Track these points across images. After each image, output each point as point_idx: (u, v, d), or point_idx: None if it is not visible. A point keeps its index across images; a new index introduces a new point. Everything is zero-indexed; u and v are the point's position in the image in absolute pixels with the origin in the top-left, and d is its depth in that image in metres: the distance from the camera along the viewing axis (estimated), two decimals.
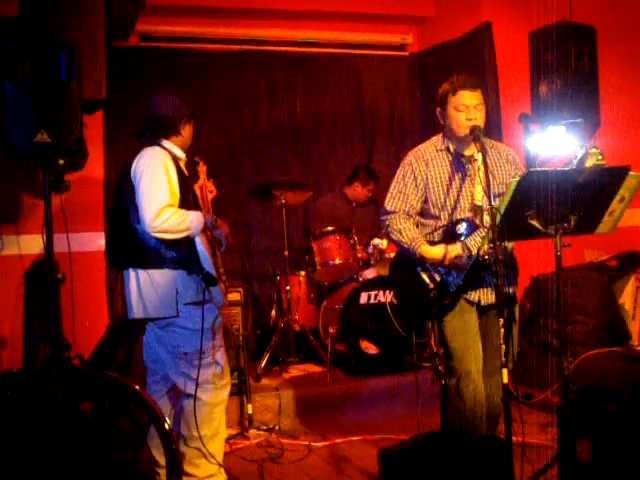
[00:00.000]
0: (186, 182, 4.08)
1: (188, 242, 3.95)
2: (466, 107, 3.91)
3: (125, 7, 5.31)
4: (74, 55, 3.58)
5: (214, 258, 4.08)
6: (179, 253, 3.93)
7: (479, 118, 3.91)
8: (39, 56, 3.47)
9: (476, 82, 3.98)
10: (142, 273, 3.97)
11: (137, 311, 4.00)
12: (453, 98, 3.93)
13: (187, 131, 4.18)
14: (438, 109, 4.05)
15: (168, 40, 7.02)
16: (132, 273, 4.00)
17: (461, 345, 3.93)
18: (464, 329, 3.94)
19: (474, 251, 3.82)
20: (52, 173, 3.46)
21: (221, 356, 4.11)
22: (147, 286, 3.96)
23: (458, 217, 3.95)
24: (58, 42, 3.57)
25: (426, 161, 4.04)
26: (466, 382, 3.90)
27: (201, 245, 3.97)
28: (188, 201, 4.03)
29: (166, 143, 4.08)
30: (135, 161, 3.98)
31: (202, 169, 4.46)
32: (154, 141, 4.06)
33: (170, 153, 4.04)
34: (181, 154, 4.14)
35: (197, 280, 3.95)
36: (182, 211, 3.90)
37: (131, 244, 3.97)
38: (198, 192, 4.34)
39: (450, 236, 3.93)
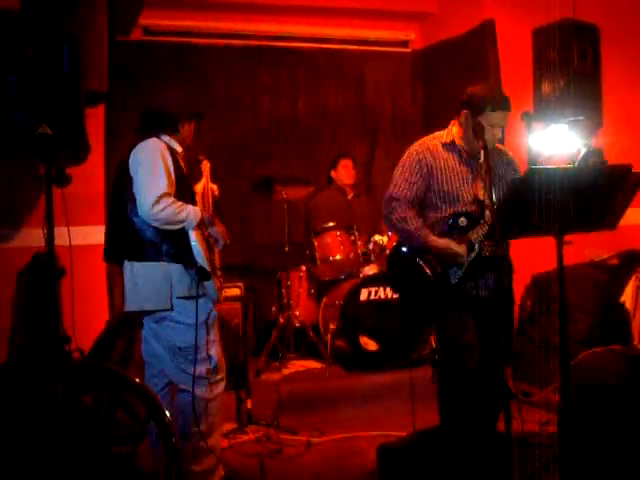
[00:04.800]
0: (183, 176, 4.08)
1: (182, 235, 3.94)
2: (498, 126, 3.94)
3: (129, 0, 5.31)
4: (77, 48, 3.56)
5: (210, 254, 4.07)
6: (174, 246, 3.93)
7: (500, 133, 4.00)
8: (41, 49, 3.46)
9: (509, 101, 4.01)
10: (138, 266, 3.97)
11: (132, 304, 4.01)
12: (491, 114, 3.93)
13: (186, 130, 4.17)
14: (466, 111, 4.00)
15: (171, 34, 7.04)
16: (128, 266, 4.01)
17: (459, 342, 3.93)
18: (462, 326, 3.94)
19: (476, 245, 3.83)
20: (53, 166, 3.45)
21: (216, 351, 4.11)
22: (142, 279, 3.96)
23: (460, 210, 3.95)
24: (61, 35, 3.56)
25: (432, 152, 4.04)
26: (464, 380, 3.89)
27: (194, 240, 3.95)
28: (184, 194, 4.02)
29: (164, 137, 4.08)
30: (132, 153, 3.98)
31: (205, 167, 4.45)
32: (152, 134, 4.06)
33: (167, 145, 4.03)
34: (178, 148, 4.13)
35: (192, 274, 3.95)
36: (180, 203, 3.90)
37: (129, 237, 3.98)
38: (200, 190, 4.34)
39: (452, 228, 3.93)
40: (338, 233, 6.44)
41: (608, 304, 5.83)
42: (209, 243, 4.11)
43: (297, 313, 6.44)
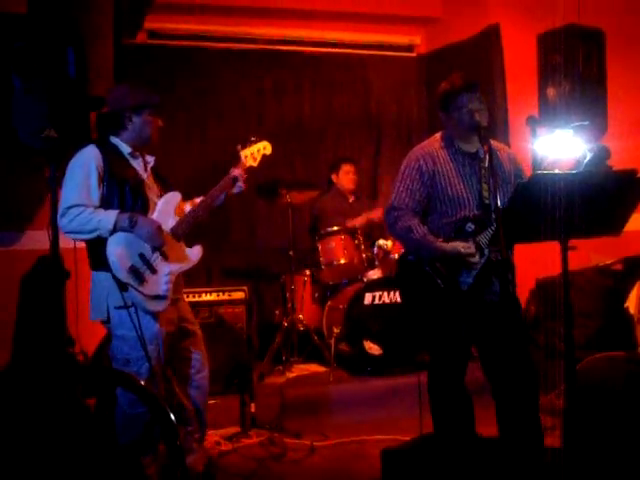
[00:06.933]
0: (122, 179, 3.95)
1: (101, 243, 3.85)
2: (469, 109, 3.86)
3: (133, 4, 5.32)
4: (82, 52, 3.58)
5: (144, 259, 3.92)
6: (99, 255, 3.86)
7: (483, 118, 3.88)
8: (47, 52, 3.47)
9: (475, 82, 3.94)
10: (92, 274, 3.96)
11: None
12: (455, 101, 3.88)
13: (137, 124, 4.03)
14: (441, 113, 3.99)
15: (176, 38, 7.06)
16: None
17: (457, 348, 3.91)
18: (453, 331, 3.89)
19: (485, 249, 3.77)
20: (59, 169, 3.46)
21: (146, 369, 3.87)
22: (92, 288, 3.96)
23: (466, 214, 3.87)
24: (66, 38, 3.57)
25: (432, 157, 3.94)
26: (451, 386, 3.89)
27: (112, 246, 3.84)
28: (118, 200, 3.92)
29: (113, 139, 4.04)
30: None
31: (248, 151, 4.40)
32: (101, 138, 4.00)
33: (106, 150, 3.95)
34: (126, 148, 4.04)
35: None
36: (89, 211, 3.81)
37: (87, 245, 3.97)
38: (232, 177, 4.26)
39: (458, 233, 3.87)
40: (342, 237, 6.44)
41: (612, 309, 5.83)
42: (142, 247, 3.96)
43: (301, 317, 6.44)
